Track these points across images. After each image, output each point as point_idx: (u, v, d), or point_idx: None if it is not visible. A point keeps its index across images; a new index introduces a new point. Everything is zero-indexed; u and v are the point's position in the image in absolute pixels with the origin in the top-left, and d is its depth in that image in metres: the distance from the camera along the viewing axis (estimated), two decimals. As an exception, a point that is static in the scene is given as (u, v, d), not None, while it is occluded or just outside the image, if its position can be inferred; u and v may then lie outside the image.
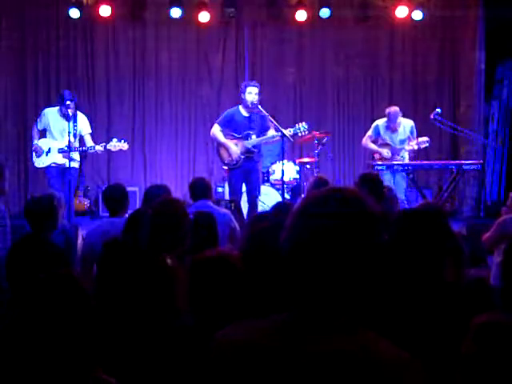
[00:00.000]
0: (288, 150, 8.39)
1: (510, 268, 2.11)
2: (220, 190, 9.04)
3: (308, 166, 9.01)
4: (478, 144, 9.26)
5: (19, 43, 9.78)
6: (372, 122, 10.29)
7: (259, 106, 7.06)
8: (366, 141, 8.19)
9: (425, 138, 7.89)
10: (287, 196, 8.45)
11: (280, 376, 1.31)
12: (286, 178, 7.81)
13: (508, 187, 9.33)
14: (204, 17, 9.64)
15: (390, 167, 7.56)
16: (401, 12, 9.60)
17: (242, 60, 10.24)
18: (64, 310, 1.43)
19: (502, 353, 1.63)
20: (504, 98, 9.97)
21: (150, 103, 10.20)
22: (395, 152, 7.93)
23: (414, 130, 8.01)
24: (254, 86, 7.14)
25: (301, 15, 9.61)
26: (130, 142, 9.70)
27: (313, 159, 8.82)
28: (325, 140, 8.82)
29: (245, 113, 7.18)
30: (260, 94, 7.16)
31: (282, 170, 7.24)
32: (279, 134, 6.93)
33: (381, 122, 8.10)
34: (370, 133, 8.16)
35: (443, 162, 7.71)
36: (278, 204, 4.63)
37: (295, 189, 8.95)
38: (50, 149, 7.53)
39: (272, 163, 8.97)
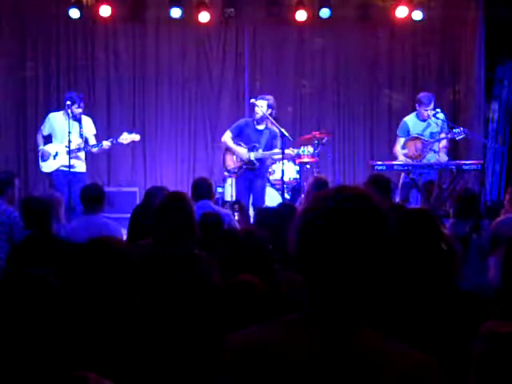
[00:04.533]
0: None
1: (510, 272, 2.12)
2: (220, 189, 9.03)
3: (308, 166, 8.99)
4: (478, 144, 9.26)
5: (19, 43, 9.79)
6: (372, 122, 10.37)
7: (269, 117, 7.20)
8: (398, 149, 7.61)
9: (458, 130, 7.38)
10: (287, 196, 8.45)
11: (294, 376, 1.32)
12: (285, 178, 7.81)
13: (508, 187, 9.33)
14: (204, 17, 9.63)
15: (389, 167, 7.54)
16: (401, 12, 9.59)
17: (241, 60, 10.23)
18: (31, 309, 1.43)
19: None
20: (504, 98, 9.98)
21: (149, 103, 10.19)
22: (425, 146, 7.45)
23: (446, 124, 7.54)
24: (261, 99, 7.30)
25: (301, 15, 9.59)
26: (130, 143, 9.73)
27: (313, 159, 8.81)
28: (325, 140, 8.82)
29: (259, 126, 7.34)
30: (271, 107, 7.24)
31: (282, 170, 7.28)
32: (281, 153, 7.05)
33: (408, 117, 7.69)
34: (400, 139, 7.61)
35: (443, 161, 7.68)
36: (281, 205, 4.66)
37: (295, 189, 8.94)
38: (57, 152, 7.52)
39: (272, 163, 8.97)
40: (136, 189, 9.57)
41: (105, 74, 10.10)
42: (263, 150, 7.31)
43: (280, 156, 7.17)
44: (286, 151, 7.09)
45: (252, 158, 7.29)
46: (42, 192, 8.96)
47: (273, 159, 7.77)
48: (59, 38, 9.90)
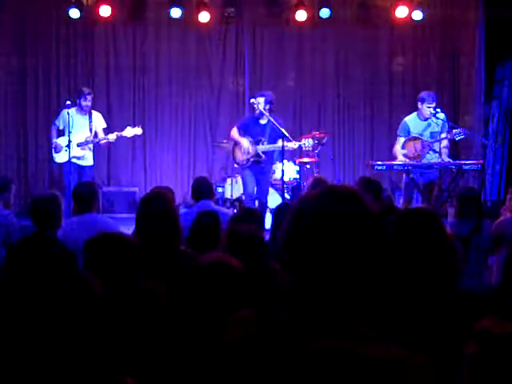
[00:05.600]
0: (288, 150, 8.39)
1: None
2: (220, 190, 9.04)
3: (308, 166, 9.00)
4: (478, 144, 9.25)
5: (19, 43, 9.79)
6: (372, 122, 10.37)
7: (266, 114, 7.35)
8: (397, 149, 7.51)
9: (457, 130, 7.27)
10: (287, 196, 8.46)
11: (280, 375, 1.31)
12: (285, 178, 7.83)
13: (508, 187, 9.34)
14: (204, 17, 9.63)
15: (389, 167, 7.53)
16: (401, 12, 9.59)
17: (241, 60, 10.24)
18: (75, 313, 1.43)
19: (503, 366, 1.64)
20: (504, 98, 9.98)
21: (149, 103, 10.20)
22: (425, 146, 7.35)
23: (446, 125, 7.41)
24: (260, 96, 7.53)
25: (301, 15, 9.60)
26: (130, 143, 9.74)
27: (313, 159, 8.82)
28: (324, 140, 8.82)
29: (261, 120, 7.54)
30: (269, 102, 7.40)
31: (282, 170, 7.30)
32: (285, 143, 7.18)
33: (409, 117, 7.57)
34: (400, 139, 7.51)
35: (443, 162, 7.68)
36: (281, 205, 4.65)
37: (295, 189, 8.95)
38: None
39: (272, 163, 8.97)
40: (136, 189, 9.58)
41: (105, 74, 10.10)
42: (268, 143, 7.52)
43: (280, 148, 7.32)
44: (289, 144, 7.25)
45: (258, 151, 7.50)
46: (42, 191, 9.02)
47: (277, 157, 7.96)
48: (59, 38, 9.91)
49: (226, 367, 1.38)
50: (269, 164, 7.76)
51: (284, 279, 2.38)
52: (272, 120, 7.30)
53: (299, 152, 9.85)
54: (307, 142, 7.42)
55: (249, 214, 4.16)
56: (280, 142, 7.38)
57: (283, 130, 7.15)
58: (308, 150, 7.88)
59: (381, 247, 1.35)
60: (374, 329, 1.35)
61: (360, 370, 1.26)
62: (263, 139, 7.53)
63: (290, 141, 7.26)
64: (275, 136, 7.50)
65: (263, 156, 7.54)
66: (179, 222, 3.37)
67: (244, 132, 7.63)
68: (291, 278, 1.37)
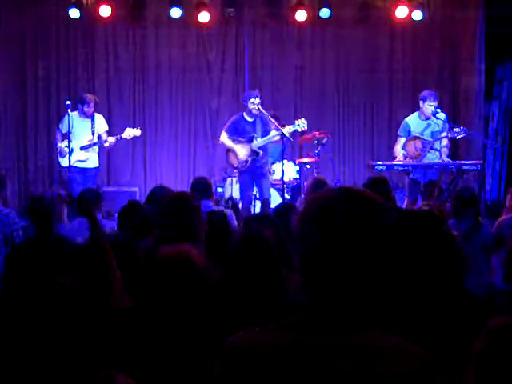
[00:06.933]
0: (288, 150, 8.41)
1: None
2: (220, 190, 9.04)
3: (308, 166, 9.00)
4: (478, 144, 9.25)
5: (19, 43, 9.78)
6: (372, 123, 10.37)
7: (261, 109, 7.43)
8: (398, 148, 7.55)
9: (458, 129, 7.32)
10: (287, 196, 8.46)
11: (296, 377, 1.31)
12: (285, 178, 7.84)
13: (508, 187, 9.34)
14: (204, 17, 9.63)
15: (389, 167, 7.54)
16: (401, 12, 9.60)
17: (241, 60, 10.23)
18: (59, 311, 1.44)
19: None
20: (504, 97, 9.99)
21: (149, 103, 10.19)
22: (425, 145, 7.38)
23: (447, 125, 7.44)
24: (255, 96, 7.56)
25: (301, 15, 9.60)
26: (130, 143, 9.74)
27: (313, 159, 8.81)
28: (325, 140, 8.82)
29: (249, 118, 7.61)
30: (261, 97, 7.55)
31: (282, 170, 7.32)
32: (279, 132, 7.18)
33: (410, 117, 7.60)
34: (400, 139, 7.54)
35: (443, 162, 7.69)
36: (281, 205, 4.65)
37: (295, 189, 8.95)
38: (72, 149, 8.06)
39: (272, 163, 8.98)
40: (136, 189, 9.56)
41: (105, 74, 10.09)
42: (261, 137, 7.57)
43: (279, 137, 7.30)
44: (285, 130, 7.23)
45: (254, 148, 7.54)
46: (42, 191, 9.01)
47: (278, 156, 8.02)
48: (59, 38, 9.90)
49: (238, 376, 1.37)
50: (265, 162, 7.75)
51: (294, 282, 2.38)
52: (263, 111, 7.36)
53: (299, 152, 9.87)
54: (301, 123, 7.40)
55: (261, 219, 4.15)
56: (273, 133, 7.43)
57: (273, 120, 7.22)
58: (304, 131, 7.81)
59: (391, 248, 1.36)
60: (382, 327, 1.36)
61: (377, 368, 1.27)
62: (255, 135, 7.55)
63: (282, 128, 7.23)
64: (267, 129, 7.53)
65: (260, 152, 7.56)
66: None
67: (234, 133, 7.65)
68: (303, 278, 1.37)
